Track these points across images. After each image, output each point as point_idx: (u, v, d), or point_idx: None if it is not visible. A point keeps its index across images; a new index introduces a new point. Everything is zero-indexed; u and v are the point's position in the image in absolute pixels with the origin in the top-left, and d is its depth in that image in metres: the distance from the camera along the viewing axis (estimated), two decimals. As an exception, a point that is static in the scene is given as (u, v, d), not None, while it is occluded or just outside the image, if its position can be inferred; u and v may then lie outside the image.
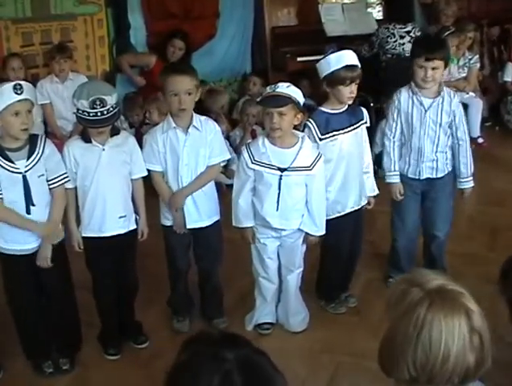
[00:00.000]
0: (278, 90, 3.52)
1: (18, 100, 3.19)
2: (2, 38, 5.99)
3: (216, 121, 4.07)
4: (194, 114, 3.70)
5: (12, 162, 3.28)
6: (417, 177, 4.17)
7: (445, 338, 1.59)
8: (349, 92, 3.78)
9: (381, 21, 7.69)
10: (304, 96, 3.48)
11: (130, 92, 6.57)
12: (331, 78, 3.78)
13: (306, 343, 3.87)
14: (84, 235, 3.62)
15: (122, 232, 3.62)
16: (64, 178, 3.44)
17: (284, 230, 3.72)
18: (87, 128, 3.48)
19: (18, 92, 3.17)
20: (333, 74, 3.76)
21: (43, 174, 3.35)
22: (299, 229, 3.74)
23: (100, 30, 6.64)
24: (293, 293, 3.92)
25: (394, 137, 4.15)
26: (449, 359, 1.59)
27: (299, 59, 7.28)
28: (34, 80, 6.09)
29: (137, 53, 6.82)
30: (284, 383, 1.32)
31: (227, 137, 6.15)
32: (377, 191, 4.11)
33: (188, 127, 3.67)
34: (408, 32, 6.88)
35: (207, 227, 3.82)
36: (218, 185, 4.20)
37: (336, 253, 4.04)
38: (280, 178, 3.59)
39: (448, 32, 6.72)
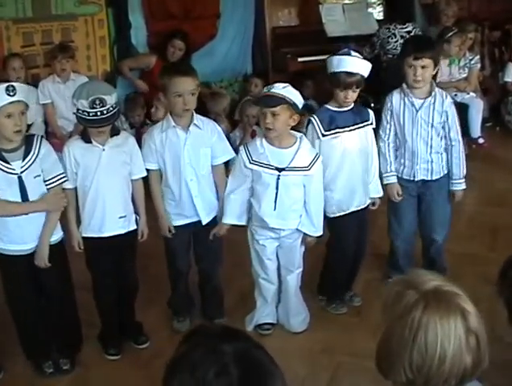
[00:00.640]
0: (272, 90, 3.54)
1: (11, 102, 3.17)
2: (3, 38, 5.99)
3: (215, 120, 4.08)
4: (194, 113, 3.71)
5: (8, 163, 3.27)
6: (412, 178, 4.17)
7: (441, 340, 1.59)
8: (344, 96, 3.79)
9: (381, 21, 7.69)
10: (307, 97, 3.51)
11: (130, 93, 6.57)
12: (330, 79, 3.83)
13: (306, 344, 3.87)
14: (84, 235, 3.63)
15: (122, 232, 3.63)
16: (61, 178, 3.43)
17: (282, 230, 3.72)
18: (87, 128, 3.48)
19: (11, 93, 3.15)
20: (332, 75, 3.80)
21: (39, 175, 3.35)
22: (297, 229, 3.74)
23: (100, 31, 6.64)
24: (293, 293, 3.92)
25: (388, 139, 4.17)
26: (446, 361, 1.59)
27: (299, 59, 7.28)
28: (34, 81, 6.11)
29: (136, 55, 6.80)
30: (281, 376, 1.32)
31: (227, 137, 6.14)
32: (381, 193, 4.11)
33: (189, 126, 3.68)
34: (409, 32, 6.87)
35: (207, 227, 3.82)
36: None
37: (341, 252, 4.04)
38: (278, 178, 3.60)
39: (452, 33, 6.71)
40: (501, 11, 8.55)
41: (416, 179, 4.17)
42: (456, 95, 6.55)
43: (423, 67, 3.95)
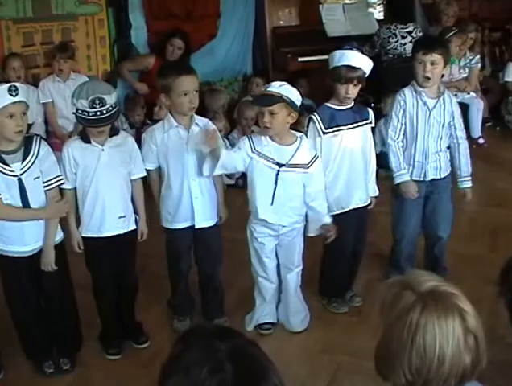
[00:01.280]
0: (269, 89, 3.55)
1: (13, 102, 3.16)
2: (3, 38, 5.99)
3: (214, 119, 4.08)
4: (193, 113, 3.73)
5: (7, 165, 3.26)
6: (422, 179, 4.16)
7: (439, 342, 1.59)
8: (345, 91, 3.79)
9: (382, 21, 7.70)
10: (302, 96, 3.48)
11: (130, 93, 6.58)
12: (331, 74, 3.83)
13: (306, 343, 3.87)
14: (83, 235, 3.63)
15: (122, 232, 3.63)
16: (59, 180, 3.42)
17: (281, 226, 3.71)
18: (86, 127, 3.47)
19: (13, 94, 3.14)
20: (333, 70, 3.81)
21: (38, 177, 3.33)
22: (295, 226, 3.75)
23: (101, 31, 6.64)
24: (293, 292, 3.92)
25: (398, 138, 4.15)
26: (445, 362, 1.59)
27: (300, 59, 7.28)
28: (35, 81, 6.11)
29: (134, 57, 6.75)
30: (276, 371, 1.33)
31: (226, 137, 6.15)
32: (377, 192, 4.10)
33: (190, 125, 3.69)
34: (410, 32, 6.88)
35: (209, 227, 3.82)
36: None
37: (340, 250, 4.03)
38: (277, 174, 3.59)
39: (452, 33, 6.72)
40: (502, 11, 8.56)
41: (427, 179, 4.16)
42: (456, 95, 6.53)
43: (432, 63, 3.95)
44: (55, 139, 5.89)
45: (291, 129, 3.71)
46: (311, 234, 3.82)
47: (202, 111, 4.77)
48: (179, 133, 3.68)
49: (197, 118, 3.74)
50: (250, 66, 7.93)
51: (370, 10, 8.10)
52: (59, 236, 3.51)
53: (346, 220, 3.95)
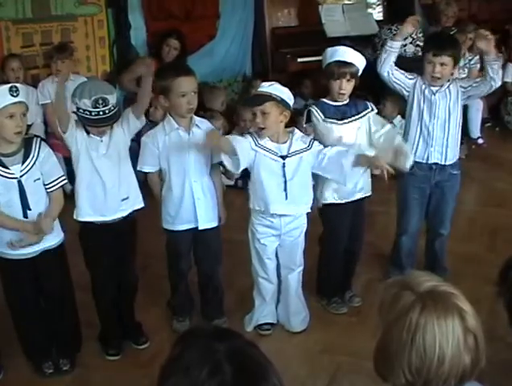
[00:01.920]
0: (259, 90, 3.59)
1: (14, 103, 3.15)
2: (3, 38, 6.00)
3: (211, 117, 4.07)
4: (193, 114, 3.73)
5: (7, 168, 3.25)
6: (425, 161, 4.14)
7: (439, 342, 1.59)
8: (338, 87, 3.80)
9: (381, 22, 7.70)
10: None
11: (130, 93, 6.57)
12: (324, 71, 3.86)
13: (306, 344, 3.87)
14: (82, 219, 3.59)
15: (125, 214, 3.60)
16: (62, 180, 3.42)
17: (286, 223, 3.71)
18: (88, 127, 3.47)
19: (14, 94, 3.13)
20: (326, 67, 3.84)
21: (38, 178, 3.33)
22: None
23: (100, 31, 6.64)
24: (294, 292, 3.92)
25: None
26: (445, 362, 1.59)
27: (299, 59, 7.29)
28: (34, 81, 6.11)
29: (130, 67, 6.57)
30: (275, 371, 1.33)
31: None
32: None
33: (190, 126, 3.69)
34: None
35: (207, 228, 3.82)
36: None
37: (334, 245, 4.04)
38: (283, 166, 3.60)
39: (452, 33, 6.72)
40: (501, 11, 8.57)
41: (430, 162, 4.15)
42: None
43: (441, 64, 3.96)
44: (54, 140, 5.88)
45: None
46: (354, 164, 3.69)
47: (201, 110, 4.77)
48: (179, 136, 3.68)
49: (197, 120, 3.74)
50: (250, 67, 7.94)
51: (369, 10, 8.11)
52: (59, 237, 3.51)
53: (340, 212, 3.95)
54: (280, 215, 3.69)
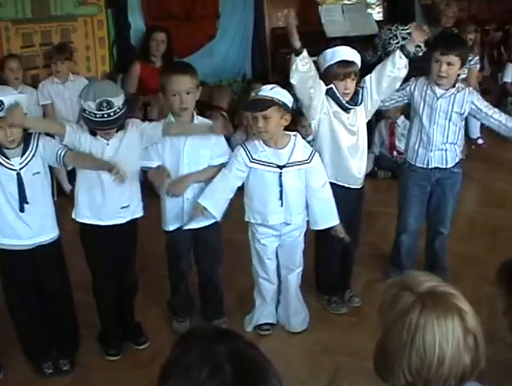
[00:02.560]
0: (260, 93, 3.55)
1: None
2: (2, 39, 5.99)
3: (211, 116, 4.06)
4: (195, 114, 3.71)
5: (8, 158, 3.29)
6: (425, 166, 4.15)
7: (439, 342, 1.59)
8: (344, 87, 3.79)
9: (381, 22, 7.71)
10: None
11: (129, 94, 6.56)
12: (327, 73, 3.83)
13: (306, 344, 3.87)
14: (81, 221, 3.58)
15: (123, 221, 3.60)
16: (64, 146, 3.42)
17: (285, 225, 3.71)
18: (92, 129, 3.46)
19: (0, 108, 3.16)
20: (328, 69, 3.81)
21: (38, 172, 3.35)
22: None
23: (100, 31, 6.64)
24: (293, 292, 3.93)
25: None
26: (445, 362, 1.59)
27: (299, 60, 7.27)
28: (34, 82, 6.12)
29: (126, 77, 6.54)
30: (275, 372, 1.33)
31: (227, 138, 6.15)
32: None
33: None
34: (410, 34, 6.87)
35: (207, 228, 3.82)
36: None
37: (328, 247, 4.04)
38: (280, 176, 3.60)
39: (451, 34, 6.73)
40: (501, 12, 8.59)
41: (430, 167, 4.15)
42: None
43: (448, 63, 3.95)
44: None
45: (290, 129, 3.72)
46: (318, 227, 3.78)
47: (206, 110, 4.77)
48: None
49: (197, 119, 3.73)
50: (249, 67, 7.95)
51: (369, 10, 8.12)
52: (55, 233, 3.51)
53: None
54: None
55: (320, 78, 3.79)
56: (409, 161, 4.23)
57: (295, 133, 3.71)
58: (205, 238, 3.84)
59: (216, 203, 3.66)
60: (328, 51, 3.84)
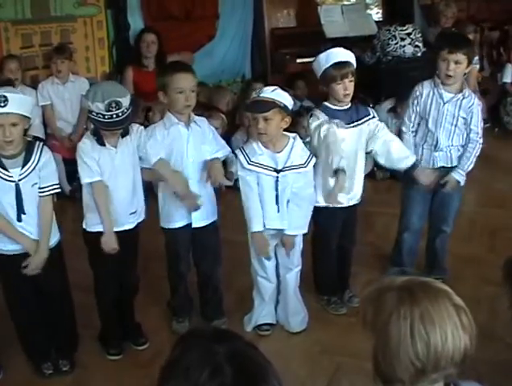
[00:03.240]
0: (262, 95, 3.55)
1: (0, 114, 3.14)
2: (2, 39, 6.01)
3: (210, 116, 4.07)
4: (192, 114, 3.74)
5: (6, 170, 3.26)
6: (430, 166, 4.14)
7: (439, 323, 1.62)
8: (343, 88, 3.78)
9: (380, 22, 7.71)
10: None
11: (130, 96, 6.54)
12: (324, 77, 3.82)
13: (305, 345, 3.87)
14: (93, 230, 3.57)
15: (132, 227, 3.62)
16: (55, 188, 3.41)
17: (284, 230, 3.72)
18: (101, 130, 3.45)
19: (2, 104, 3.11)
20: (325, 73, 3.79)
21: (36, 183, 3.33)
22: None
23: (99, 32, 6.65)
24: (292, 292, 3.93)
25: (412, 128, 4.18)
26: (447, 340, 1.61)
27: (298, 60, 7.30)
28: (33, 82, 6.12)
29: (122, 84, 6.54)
30: (275, 373, 1.33)
31: (226, 137, 6.15)
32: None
33: (189, 122, 3.69)
34: (409, 34, 6.90)
35: (206, 227, 3.82)
36: (217, 187, 4.17)
37: (324, 246, 4.05)
38: (277, 180, 3.60)
39: (450, 34, 6.73)
40: (500, 12, 8.58)
41: (436, 166, 4.15)
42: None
43: (456, 62, 3.95)
44: (53, 141, 5.89)
45: (290, 130, 3.72)
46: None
47: (204, 110, 4.77)
48: (179, 130, 3.68)
49: (196, 118, 3.74)
50: (249, 67, 7.95)
51: (369, 11, 8.12)
52: (55, 237, 3.51)
53: (332, 216, 3.95)
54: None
55: (318, 82, 3.80)
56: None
57: (294, 135, 3.71)
58: (204, 238, 3.84)
59: (260, 219, 3.67)
60: (322, 54, 3.83)
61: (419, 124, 4.18)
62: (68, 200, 5.31)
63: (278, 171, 3.60)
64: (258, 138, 3.60)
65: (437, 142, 4.12)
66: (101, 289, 3.75)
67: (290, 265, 3.87)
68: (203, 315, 4.06)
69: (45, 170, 3.34)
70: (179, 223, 3.80)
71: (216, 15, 7.50)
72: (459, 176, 4.16)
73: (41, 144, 3.39)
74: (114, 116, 3.31)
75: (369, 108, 4.00)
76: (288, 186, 3.64)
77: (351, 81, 3.80)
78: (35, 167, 3.30)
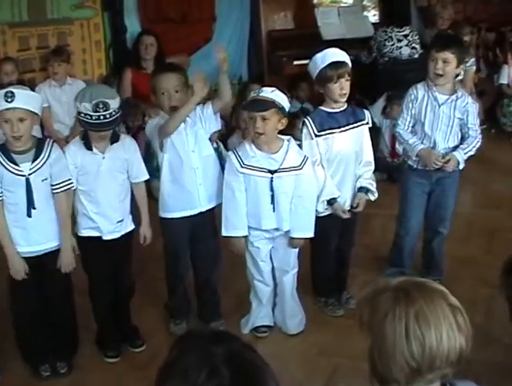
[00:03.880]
0: (261, 94, 3.55)
1: (7, 109, 3.17)
2: (-1, 42, 6.00)
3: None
4: None
5: (16, 165, 3.28)
6: (427, 168, 4.15)
7: (434, 323, 1.62)
8: (339, 88, 3.78)
9: (377, 24, 7.72)
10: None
11: (129, 97, 6.55)
12: (319, 77, 3.82)
13: (303, 346, 3.87)
14: (81, 235, 3.61)
15: (119, 235, 3.63)
16: (69, 183, 3.43)
17: (279, 230, 3.72)
18: (88, 131, 3.46)
19: (9, 100, 3.14)
20: (321, 73, 3.79)
21: (46, 178, 3.35)
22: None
23: (96, 35, 6.65)
24: (289, 294, 3.92)
25: (406, 130, 4.18)
26: (443, 339, 1.62)
27: (295, 62, 7.30)
28: (30, 85, 6.11)
29: (120, 88, 6.51)
30: (272, 374, 1.33)
31: (223, 141, 6.16)
32: (375, 196, 4.07)
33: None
34: (406, 36, 6.91)
35: (204, 228, 3.83)
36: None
37: (323, 248, 4.05)
38: (271, 181, 3.60)
39: (448, 35, 6.74)
40: (496, 14, 8.60)
41: (433, 169, 4.13)
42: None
43: (444, 60, 3.96)
44: (51, 143, 5.88)
45: (288, 132, 3.72)
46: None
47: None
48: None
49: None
50: (246, 69, 7.95)
51: (365, 13, 8.13)
52: (59, 240, 3.51)
53: (331, 220, 3.95)
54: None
55: (314, 83, 3.80)
56: (410, 163, 4.23)
57: (288, 137, 3.71)
58: (203, 238, 3.85)
59: (244, 224, 3.68)
60: (318, 55, 3.83)
61: (413, 126, 4.19)
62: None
63: (272, 172, 3.60)
64: (255, 139, 3.60)
65: (434, 145, 4.13)
66: (96, 293, 3.75)
67: (286, 268, 3.87)
68: (200, 317, 4.06)
69: (56, 166, 3.37)
70: (177, 214, 3.79)
71: (212, 17, 7.50)
72: (460, 156, 4.13)
73: (51, 141, 3.43)
74: (102, 117, 3.31)
75: (365, 112, 4.00)
76: (284, 187, 3.64)
77: (347, 80, 3.80)
78: (45, 162, 3.32)
